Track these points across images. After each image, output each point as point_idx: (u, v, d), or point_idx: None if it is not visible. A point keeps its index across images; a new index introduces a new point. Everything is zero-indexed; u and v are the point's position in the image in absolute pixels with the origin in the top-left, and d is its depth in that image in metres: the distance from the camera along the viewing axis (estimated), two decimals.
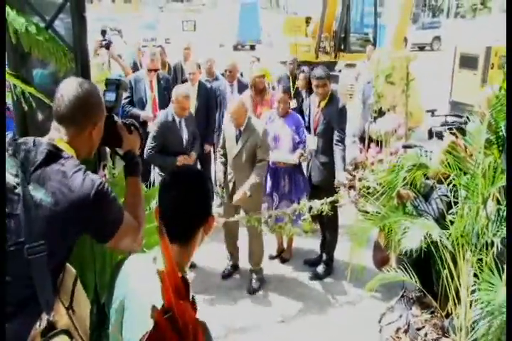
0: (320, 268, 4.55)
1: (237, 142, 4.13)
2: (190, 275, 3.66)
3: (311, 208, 4.12)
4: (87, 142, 1.79)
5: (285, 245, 4.97)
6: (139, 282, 1.42)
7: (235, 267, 4.58)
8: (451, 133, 2.99)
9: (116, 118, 2.02)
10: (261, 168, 4.12)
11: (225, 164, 4.32)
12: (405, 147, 3.74)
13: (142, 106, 5.33)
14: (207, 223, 1.45)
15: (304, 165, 4.67)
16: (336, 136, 4.20)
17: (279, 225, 4.31)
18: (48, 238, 1.58)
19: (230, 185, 4.28)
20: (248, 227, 4.27)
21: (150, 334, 1.17)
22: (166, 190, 1.44)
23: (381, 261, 3.74)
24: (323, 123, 4.25)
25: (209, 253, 4.38)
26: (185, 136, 4.32)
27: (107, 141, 1.94)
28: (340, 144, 4.20)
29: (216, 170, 4.51)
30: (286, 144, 4.52)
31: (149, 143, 4.20)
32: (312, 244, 5.06)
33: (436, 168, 2.79)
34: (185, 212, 1.40)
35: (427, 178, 3.25)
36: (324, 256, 4.61)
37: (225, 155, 4.32)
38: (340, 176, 4.11)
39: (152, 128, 4.22)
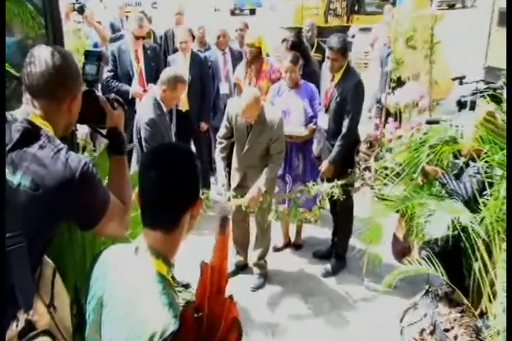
0: (332, 263, 4.55)
1: (247, 135, 4.01)
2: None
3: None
4: (65, 117, 1.79)
5: (291, 235, 4.97)
6: (120, 275, 1.41)
7: (241, 266, 4.54)
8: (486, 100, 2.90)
9: (97, 92, 2.04)
10: (276, 162, 4.03)
11: (226, 159, 4.21)
12: (430, 123, 3.66)
13: (128, 80, 5.27)
14: (194, 207, 1.43)
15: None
16: (344, 118, 4.11)
17: (284, 211, 4.30)
18: (26, 227, 1.59)
19: (236, 181, 4.19)
20: (256, 219, 4.26)
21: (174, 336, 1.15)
22: (146, 170, 1.42)
23: (401, 252, 3.70)
24: (336, 101, 4.15)
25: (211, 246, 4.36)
26: (173, 129, 4.12)
27: (88, 118, 1.98)
28: (344, 130, 4.12)
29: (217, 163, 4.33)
30: (297, 118, 4.47)
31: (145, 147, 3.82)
32: (322, 232, 5.04)
33: (467, 142, 2.72)
34: (169, 195, 1.39)
35: (456, 158, 3.20)
36: (336, 248, 4.60)
37: (226, 147, 4.20)
38: (325, 165, 4.20)
39: (144, 128, 3.78)
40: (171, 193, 1.39)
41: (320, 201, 4.37)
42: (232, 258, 4.51)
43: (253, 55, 5.10)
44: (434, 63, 3.90)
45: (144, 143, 3.80)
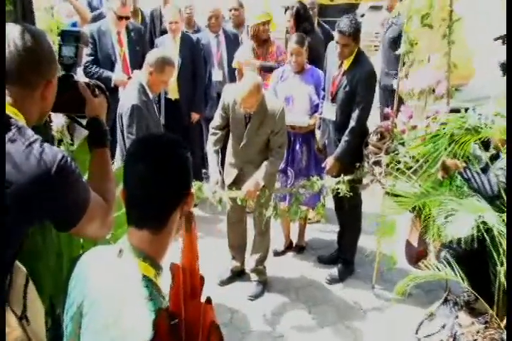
0: (338, 268, 4.53)
1: (245, 127, 3.98)
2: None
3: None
4: (39, 105, 1.77)
5: (293, 237, 4.96)
6: (102, 280, 1.40)
7: (238, 272, 4.52)
8: None
9: (76, 78, 2.04)
10: (277, 156, 4.03)
11: (219, 152, 4.18)
12: (454, 111, 3.61)
13: (110, 65, 5.23)
14: (184, 204, 1.44)
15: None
16: (353, 110, 4.08)
17: (284, 208, 4.27)
18: None
19: (231, 177, 4.17)
20: (254, 219, 4.25)
21: None
22: (132, 162, 1.44)
23: (416, 256, 3.70)
24: (344, 91, 4.12)
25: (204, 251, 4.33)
26: (162, 119, 4.12)
27: (65, 106, 1.97)
28: (353, 123, 4.09)
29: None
30: (302, 106, 4.48)
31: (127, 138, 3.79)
32: (327, 234, 5.03)
33: (490, 132, 2.69)
34: (157, 190, 1.40)
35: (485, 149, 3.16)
36: (343, 252, 4.59)
37: (220, 139, 4.16)
38: (330, 162, 4.20)
39: (127, 115, 3.70)
40: (159, 188, 1.39)
41: (323, 197, 4.34)
42: (228, 264, 4.49)
43: (267, 33, 5.15)
44: (454, 44, 3.83)
45: (126, 134, 3.76)
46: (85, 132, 2.05)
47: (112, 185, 1.94)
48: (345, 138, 4.11)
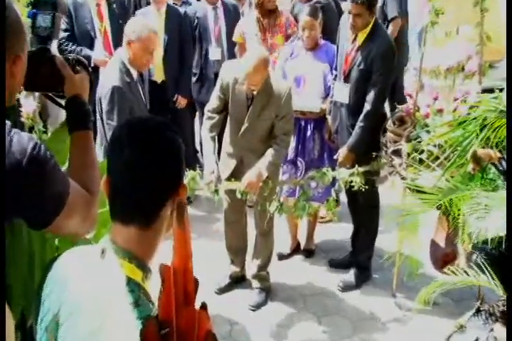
0: (353, 274, 4.54)
1: (247, 110, 3.97)
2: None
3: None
4: (7, 83, 1.71)
5: (301, 238, 4.95)
6: (82, 285, 1.40)
7: (237, 278, 4.53)
8: None
9: (53, 51, 2.02)
10: (282, 144, 4.01)
11: (215, 139, 4.17)
12: (486, 91, 3.58)
13: (89, 43, 5.24)
14: (176, 196, 1.43)
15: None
16: (369, 91, 4.09)
17: (290, 203, 4.26)
18: None
19: (229, 169, 4.15)
20: (256, 218, 4.26)
21: None
22: (117, 148, 1.44)
23: (443, 259, 3.68)
24: (358, 69, 4.13)
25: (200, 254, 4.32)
26: (147, 100, 4.18)
27: (41, 83, 1.97)
28: (369, 106, 4.10)
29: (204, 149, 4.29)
30: (314, 88, 4.50)
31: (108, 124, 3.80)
32: (340, 235, 5.03)
33: None
34: (145, 179, 1.40)
35: None
36: (358, 255, 4.60)
37: (217, 124, 4.15)
38: (343, 154, 4.20)
39: (107, 98, 3.69)
40: (146, 171, 1.39)
41: (336, 192, 4.33)
42: (226, 269, 4.50)
43: (274, 3, 5.20)
44: (487, 12, 3.79)
45: (106, 120, 3.75)
46: (61, 119, 2.02)
47: (95, 173, 1.91)
48: (359, 123, 4.11)
